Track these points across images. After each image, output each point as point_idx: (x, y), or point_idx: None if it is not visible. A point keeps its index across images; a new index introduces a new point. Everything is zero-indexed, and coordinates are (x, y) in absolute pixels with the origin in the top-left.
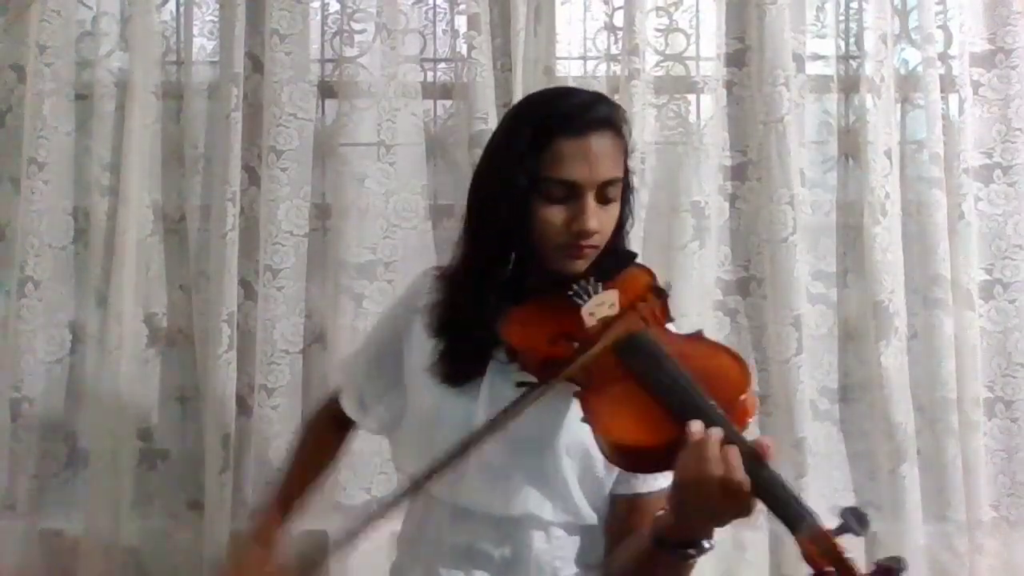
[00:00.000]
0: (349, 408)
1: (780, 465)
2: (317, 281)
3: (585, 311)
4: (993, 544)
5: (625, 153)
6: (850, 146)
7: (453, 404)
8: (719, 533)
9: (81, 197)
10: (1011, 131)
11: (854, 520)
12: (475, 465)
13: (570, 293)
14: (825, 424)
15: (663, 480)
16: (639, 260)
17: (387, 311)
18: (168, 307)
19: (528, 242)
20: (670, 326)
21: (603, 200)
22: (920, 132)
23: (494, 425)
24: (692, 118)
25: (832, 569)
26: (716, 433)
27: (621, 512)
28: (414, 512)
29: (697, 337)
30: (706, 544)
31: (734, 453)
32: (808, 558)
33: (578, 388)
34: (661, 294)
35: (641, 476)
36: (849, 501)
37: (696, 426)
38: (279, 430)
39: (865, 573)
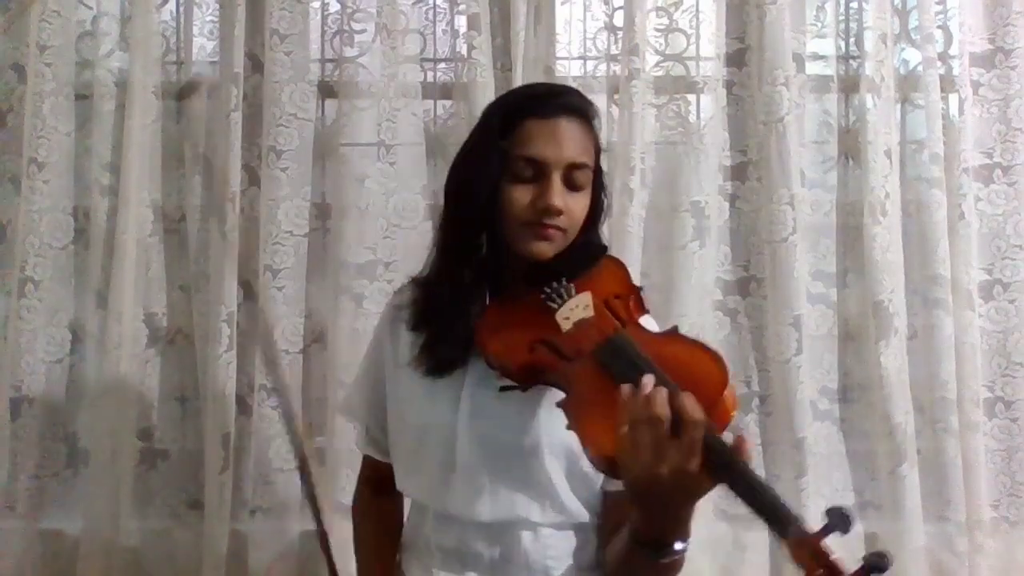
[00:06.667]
0: (361, 445)
1: (780, 465)
2: (317, 281)
3: (560, 316)
4: (993, 544)
5: (596, 146)
6: (850, 146)
7: (438, 417)
8: (720, 533)
9: (81, 197)
10: (1011, 131)
11: (839, 520)
12: (459, 475)
13: (542, 296)
14: (825, 424)
15: None
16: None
17: (370, 342)
18: (168, 307)
19: (499, 226)
20: (647, 319)
21: (571, 185)
22: (920, 132)
23: None
24: (692, 118)
25: (822, 571)
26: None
27: (613, 508)
28: (411, 515)
29: (673, 335)
30: (678, 545)
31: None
32: (797, 561)
33: (563, 396)
34: (634, 289)
35: None
36: (849, 501)
37: (626, 391)
38: (279, 430)
39: (853, 571)
